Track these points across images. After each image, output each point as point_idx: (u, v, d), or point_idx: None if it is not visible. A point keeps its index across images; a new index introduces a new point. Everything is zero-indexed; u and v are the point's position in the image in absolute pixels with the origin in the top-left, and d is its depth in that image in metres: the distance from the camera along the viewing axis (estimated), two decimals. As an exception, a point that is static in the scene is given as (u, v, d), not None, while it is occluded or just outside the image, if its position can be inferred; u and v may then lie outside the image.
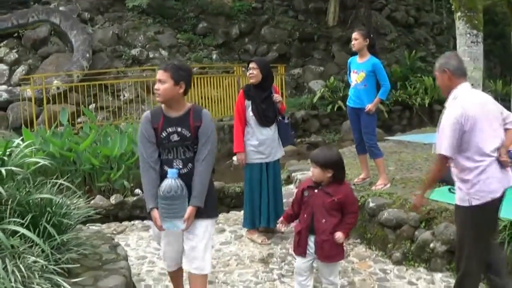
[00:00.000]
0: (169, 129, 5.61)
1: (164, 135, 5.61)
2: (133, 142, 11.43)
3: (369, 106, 9.29)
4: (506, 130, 5.86)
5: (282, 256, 8.09)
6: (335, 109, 23.63)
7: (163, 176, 5.56)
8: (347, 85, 21.15)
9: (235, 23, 27.65)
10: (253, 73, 8.64)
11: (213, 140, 5.69)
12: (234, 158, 17.37)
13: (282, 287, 7.08)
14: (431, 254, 7.45)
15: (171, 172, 5.42)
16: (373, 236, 8.35)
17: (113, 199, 10.60)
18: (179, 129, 5.61)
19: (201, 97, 19.63)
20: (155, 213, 5.57)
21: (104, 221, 10.02)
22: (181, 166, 5.60)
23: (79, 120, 18.34)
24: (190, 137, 5.60)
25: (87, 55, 21.71)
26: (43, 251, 5.15)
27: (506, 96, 21.74)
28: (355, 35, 9.63)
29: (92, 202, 9.90)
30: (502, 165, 5.73)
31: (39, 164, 7.04)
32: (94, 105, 19.71)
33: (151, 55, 23.89)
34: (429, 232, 7.61)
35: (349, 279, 7.22)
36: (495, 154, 5.70)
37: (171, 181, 5.38)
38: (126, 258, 6.36)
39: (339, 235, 6.01)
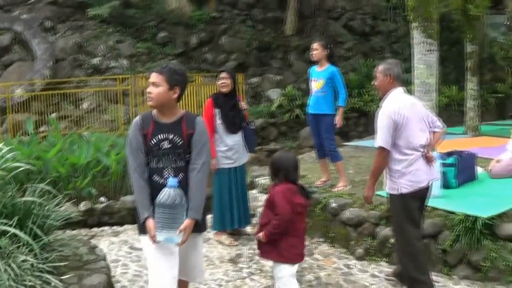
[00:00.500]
0: (160, 135, 5.24)
1: (154, 142, 5.23)
2: (98, 151, 11.68)
3: (338, 120, 9.76)
4: (433, 132, 6.76)
5: (250, 256, 8.46)
6: (293, 117, 23.93)
7: (153, 187, 5.22)
8: (305, 93, 21.55)
9: (195, 32, 27.80)
10: (226, 82, 9.06)
11: (208, 149, 5.35)
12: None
13: (252, 283, 7.42)
14: (391, 248, 7.91)
15: (171, 181, 5.02)
16: (336, 235, 8.75)
17: (82, 206, 10.76)
18: (170, 136, 5.24)
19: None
20: (150, 223, 5.12)
21: (74, 228, 10.07)
22: (172, 176, 5.15)
23: (41, 129, 18.49)
24: (182, 145, 5.23)
25: (49, 64, 21.84)
26: (30, 251, 5.47)
27: (461, 101, 22.28)
28: (315, 45, 10.07)
29: (61, 208, 10.13)
30: (428, 160, 6.60)
31: (21, 169, 7.31)
32: (56, 114, 19.78)
33: (111, 65, 23.96)
34: (388, 228, 8.03)
35: (316, 275, 7.61)
36: (422, 150, 6.53)
37: (171, 190, 4.99)
38: (105, 258, 6.69)
39: (259, 234, 6.23)
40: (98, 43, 24.83)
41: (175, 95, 5.28)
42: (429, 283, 6.56)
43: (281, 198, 6.08)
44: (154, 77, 5.28)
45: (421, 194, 6.64)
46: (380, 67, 6.79)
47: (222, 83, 9.09)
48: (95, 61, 23.81)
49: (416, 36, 9.91)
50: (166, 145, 5.24)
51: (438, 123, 6.85)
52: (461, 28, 17.77)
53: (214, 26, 28.47)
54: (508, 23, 40.56)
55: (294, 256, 6.17)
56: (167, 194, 4.99)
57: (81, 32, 25.18)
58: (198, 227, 5.35)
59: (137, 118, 5.44)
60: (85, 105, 20.94)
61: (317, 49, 10.02)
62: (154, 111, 5.40)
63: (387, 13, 32.99)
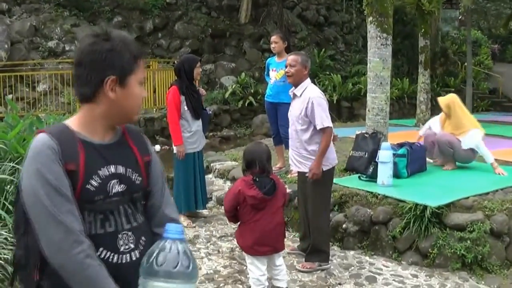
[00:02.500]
0: (103, 171, 2.83)
1: (96, 185, 2.79)
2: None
3: None
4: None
5: (207, 238, 8.70)
6: (246, 104, 24.25)
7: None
8: (258, 81, 21.80)
9: (149, 18, 27.83)
10: (200, 71, 9.53)
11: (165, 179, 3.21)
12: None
13: (210, 263, 7.66)
14: (343, 234, 8.25)
15: (173, 228, 2.61)
16: (290, 219, 8.99)
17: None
18: (121, 170, 2.90)
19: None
20: None
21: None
22: (132, 246, 2.89)
23: (-3, 110, 18.47)
24: (142, 184, 2.99)
25: (5, 46, 21.75)
26: (3, 226, 5.65)
27: (412, 94, 22.73)
28: (274, 38, 10.31)
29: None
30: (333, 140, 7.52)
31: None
32: (11, 96, 19.69)
33: (67, 48, 23.94)
34: (341, 214, 8.37)
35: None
36: None
37: (174, 246, 2.60)
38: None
39: None
40: (54, 27, 24.76)
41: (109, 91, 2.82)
42: (329, 254, 7.53)
43: (231, 190, 6.36)
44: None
45: (333, 170, 7.55)
46: (299, 58, 7.35)
47: (200, 72, 9.55)
48: (51, 44, 23.82)
49: (371, 30, 10.13)
50: (117, 187, 2.86)
51: None
52: (414, 22, 18.13)
53: (169, 12, 28.53)
54: (461, 17, 41.24)
55: (247, 247, 6.30)
56: (169, 253, 2.60)
57: (37, 15, 25.05)
58: None
59: (47, 138, 2.74)
60: (41, 87, 20.99)
61: (277, 42, 10.28)
62: (74, 123, 2.90)
63: (341, 3, 33.31)
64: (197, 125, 9.35)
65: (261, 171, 6.22)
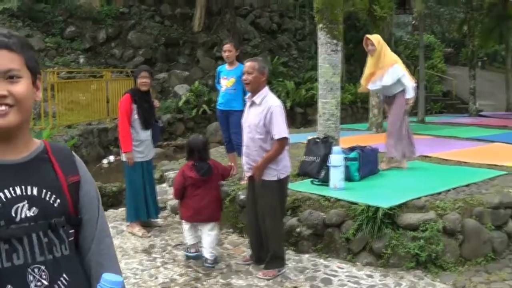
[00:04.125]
0: (5, 193, 2.25)
1: None
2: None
3: None
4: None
5: (162, 247, 8.65)
6: (200, 112, 24.30)
7: None
8: (212, 89, 21.80)
9: (103, 27, 27.80)
10: (147, 81, 9.23)
11: (102, 208, 2.57)
12: (104, 161, 17.90)
13: (166, 272, 7.61)
14: (298, 237, 8.25)
15: (109, 282, 2.23)
16: (244, 226, 8.92)
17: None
18: (32, 191, 2.32)
19: (69, 102, 19.89)
20: None
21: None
22: (45, 283, 2.28)
23: None
24: (64, 207, 2.36)
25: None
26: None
27: (365, 98, 22.87)
28: (228, 47, 10.32)
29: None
30: None
31: None
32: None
33: (20, 59, 23.77)
34: (295, 218, 8.37)
35: (226, 263, 7.86)
36: None
37: None
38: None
39: None
40: (7, 37, 24.47)
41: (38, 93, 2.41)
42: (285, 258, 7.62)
43: (178, 173, 8.17)
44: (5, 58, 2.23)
45: (288, 179, 7.59)
46: (256, 64, 7.33)
47: (144, 82, 9.22)
48: (4, 55, 23.42)
49: (322, 37, 10.15)
50: (25, 211, 2.28)
51: None
52: (367, 27, 18.23)
53: (122, 22, 28.52)
54: (414, 22, 41.64)
55: (187, 216, 7.95)
56: None
57: (-11, 26, 24.72)
58: None
59: None
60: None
61: (230, 50, 10.29)
62: None
63: (294, 11, 33.49)
64: (147, 135, 9.34)
65: (199, 157, 7.89)
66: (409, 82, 10.26)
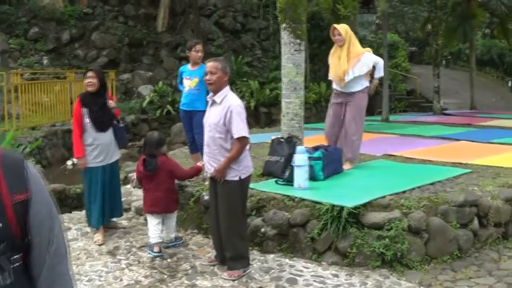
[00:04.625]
0: None
1: None
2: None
3: None
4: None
5: (127, 248, 8.60)
6: (164, 113, 24.26)
7: None
8: (176, 90, 21.75)
9: (66, 28, 27.65)
10: (92, 81, 8.90)
11: (60, 229, 2.30)
12: (68, 162, 17.78)
13: (131, 274, 7.57)
14: (262, 238, 8.24)
15: None
16: (209, 226, 8.85)
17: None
18: None
19: (33, 104, 19.70)
20: None
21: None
22: None
23: None
24: (5, 230, 2.08)
25: None
26: None
27: (330, 97, 22.94)
28: (200, 47, 10.34)
29: None
30: None
31: None
32: None
33: (-16, 61, 23.65)
34: (260, 218, 8.38)
35: (191, 264, 7.84)
36: None
37: None
38: None
39: None
40: (-29, 39, 24.30)
41: None
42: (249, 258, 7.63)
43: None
44: None
45: (249, 179, 7.62)
46: (219, 64, 7.35)
47: (88, 82, 8.92)
48: (-33, 55, 23.25)
49: (285, 37, 10.11)
50: None
51: None
52: (330, 26, 18.27)
53: (86, 22, 28.45)
54: (378, 21, 41.83)
55: (145, 207, 8.62)
56: None
57: (-47, 27, 24.53)
58: None
59: None
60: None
61: (203, 51, 10.31)
62: None
63: (258, 10, 33.50)
64: (103, 138, 9.01)
65: (149, 154, 8.40)
66: (382, 65, 10.68)
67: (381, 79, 11.19)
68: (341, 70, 10.32)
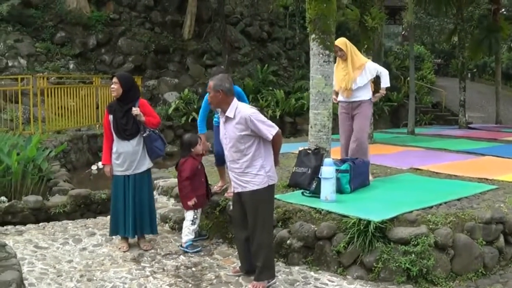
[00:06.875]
0: None
1: None
2: (0, 151, 11.70)
3: None
4: None
5: (152, 256, 8.59)
6: (190, 120, 24.30)
7: None
8: (201, 97, 21.73)
9: (93, 33, 27.73)
10: (114, 87, 8.74)
11: None
12: (93, 167, 17.83)
13: (155, 282, 7.54)
14: (288, 250, 8.20)
15: None
16: (234, 236, 8.89)
17: (-17, 206, 10.42)
18: None
19: (58, 108, 19.79)
20: None
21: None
22: None
23: None
24: None
25: None
26: None
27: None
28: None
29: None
30: None
31: None
32: (-49, 112, 19.30)
33: (10, 63, 23.75)
34: (285, 230, 8.34)
35: (216, 274, 7.80)
36: None
37: None
38: (15, 256, 6.72)
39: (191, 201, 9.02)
40: (-3, 42, 24.36)
41: None
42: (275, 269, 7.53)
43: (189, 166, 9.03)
44: None
45: (274, 187, 7.53)
46: (212, 83, 7.29)
47: (112, 88, 8.79)
48: (-6, 60, 23.29)
49: (314, 48, 10.07)
50: None
51: None
52: (357, 38, 18.17)
53: (113, 28, 28.49)
54: (404, 33, 41.79)
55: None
56: None
57: (-20, 31, 24.58)
58: None
59: None
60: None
61: None
62: None
63: (284, 20, 33.51)
64: (126, 146, 8.83)
65: (181, 154, 9.43)
66: (386, 73, 10.79)
67: (387, 89, 11.17)
68: (348, 79, 10.48)
